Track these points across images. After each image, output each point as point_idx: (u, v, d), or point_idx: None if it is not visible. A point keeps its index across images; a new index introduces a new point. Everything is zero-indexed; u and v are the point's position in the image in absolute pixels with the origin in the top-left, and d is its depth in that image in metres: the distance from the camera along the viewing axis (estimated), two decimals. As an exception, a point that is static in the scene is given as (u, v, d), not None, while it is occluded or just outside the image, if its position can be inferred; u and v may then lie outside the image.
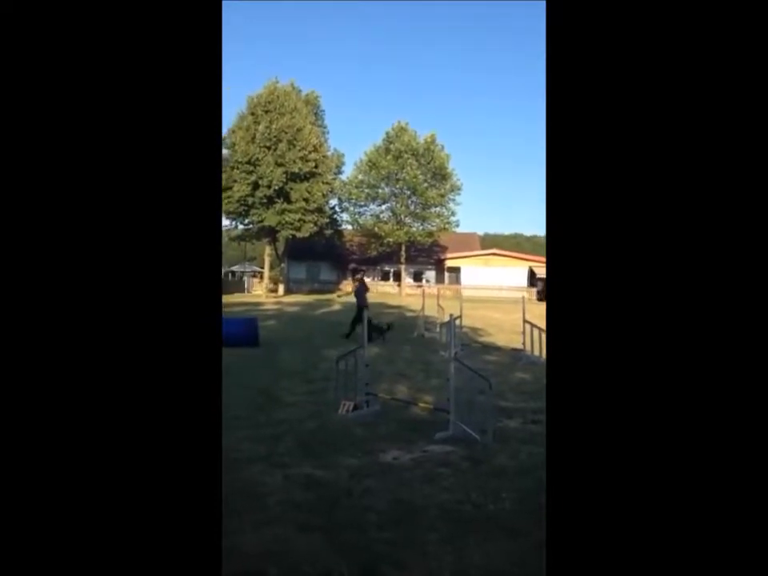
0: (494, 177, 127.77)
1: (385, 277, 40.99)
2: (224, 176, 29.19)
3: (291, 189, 29.55)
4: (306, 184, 29.88)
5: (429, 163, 34.05)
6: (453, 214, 35.33)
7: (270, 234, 31.59)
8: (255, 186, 29.09)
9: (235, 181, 29.06)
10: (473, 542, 2.71)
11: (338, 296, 13.84)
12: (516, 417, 5.26)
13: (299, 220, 29.74)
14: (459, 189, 35.18)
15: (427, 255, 39.95)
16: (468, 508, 3.15)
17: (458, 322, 9.94)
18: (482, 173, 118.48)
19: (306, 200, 29.67)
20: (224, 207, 29.77)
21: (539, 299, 34.85)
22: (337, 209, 36.04)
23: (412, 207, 35.10)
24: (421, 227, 35.34)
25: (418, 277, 40.39)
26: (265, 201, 29.41)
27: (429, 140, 34.41)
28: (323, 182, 30.70)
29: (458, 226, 36.43)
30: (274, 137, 29.07)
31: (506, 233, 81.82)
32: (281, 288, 34.62)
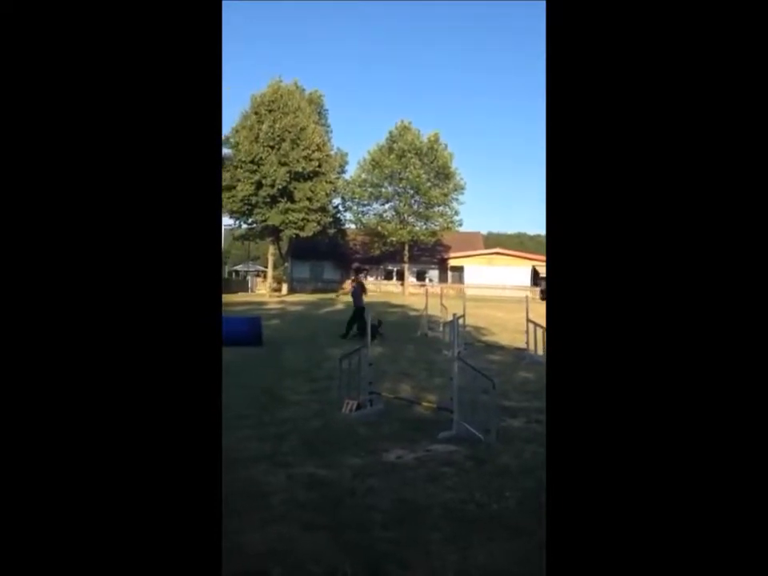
0: (497, 176, 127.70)
1: (388, 276, 41.02)
2: (227, 175, 29.28)
3: (295, 188, 29.59)
4: (309, 183, 29.91)
5: (432, 162, 34.04)
6: (456, 213, 35.35)
7: (274, 233, 31.64)
8: (259, 185, 29.14)
9: (239, 180, 29.11)
10: (476, 542, 2.71)
11: (336, 296, 13.83)
12: (520, 416, 5.26)
13: (302, 219, 29.79)
14: (462, 188, 35.19)
15: (430, 254, 39.96)
16: (472, 507, 3.15)
17: (461, 321, 9.94)
18: (484, 172, 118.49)
19: (309, 199, 29.71)
20: (228, 206, 29.84)
21: (542, 298, 34.76)
22: (340, 208, 36.09)
23: (415, 206, 35.09)
24: (424, 226, 35.34)
25: (421, 276, 40.41)
26: (268, 200, 29.47)
27: (432, 139, 34.41)
28: (327, 182, 30.74)
29: (461, 225, 36.46)
30: (278, 136, 29.12)
31: (510, 232, 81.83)
32: (284, 287, 34.67)
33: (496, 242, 51.65)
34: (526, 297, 11.35)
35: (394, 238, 34.62)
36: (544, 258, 40.84)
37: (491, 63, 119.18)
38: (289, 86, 31.32)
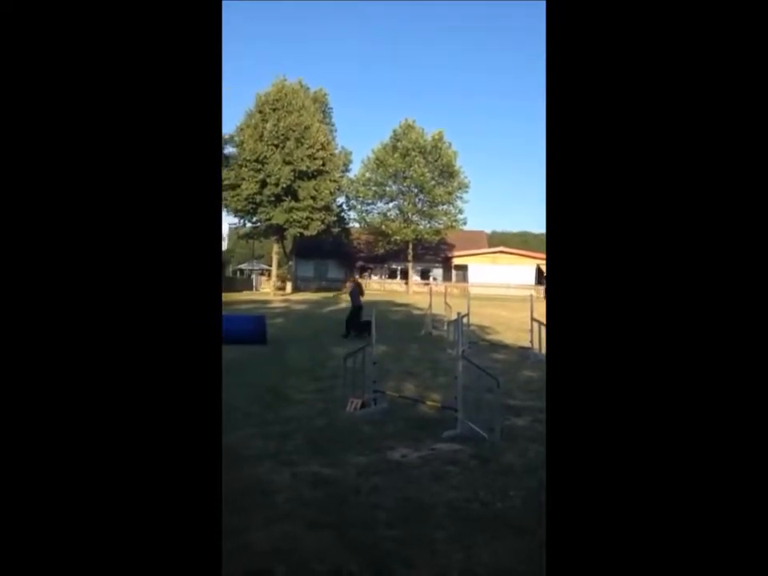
0: (501, 176, 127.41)
1: (392, 275, 41.05)
2: (232, 174, 29.33)
3: (299, 187, 29.61)
4: (313, 182, 29.93)
5: (436, 161, 34.01)
6: (460, 211, 35.36)
7: (278, 231, 31.69)
8: (263, 184, 29.18)
9: (243, 179, 29.16)
10: (481, 540, 2.71)
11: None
12: (524, 415, 5.25)
13: (307, 218, 29.81)
14: (467, 186, 35.16)
15: (434, 253, 39.95)
16: (476, 506, 3.15)
17: (465, 320, 9.94)
18: (489, 171, 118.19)
19: (313, 198, 29.73)
20: (232, 205, 29.91)
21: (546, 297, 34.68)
22: (344, 207, 36.09)
23: (419, 205, 35.07)
24: (428, 225, 35.32)
25: (425, 275, 40.39)
26: (273, 199, 29.51)
27: (436, 137, 34.37)
28: (331, 180, 30.74)
29: (465, 223, 36.47)
30: (282, 135, 29.14)
31: (514, 230, 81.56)
32: (288, 286, 34.73)
33: (500, 241, 51.55)
34: (531, 296, 11.33)
35: (398, 237, 34.62)
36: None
37: (493, 63, 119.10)
38: (293, 84, 31.34)
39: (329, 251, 38.24)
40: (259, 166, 29.03)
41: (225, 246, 29.78)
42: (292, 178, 29.14)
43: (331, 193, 30.98)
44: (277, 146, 29.13)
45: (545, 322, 8.40)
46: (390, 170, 34.22)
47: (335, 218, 33.23)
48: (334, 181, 31.19)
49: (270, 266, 36.52)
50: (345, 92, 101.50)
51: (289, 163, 28.95)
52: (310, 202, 29.64)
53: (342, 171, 33.86)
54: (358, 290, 11.91)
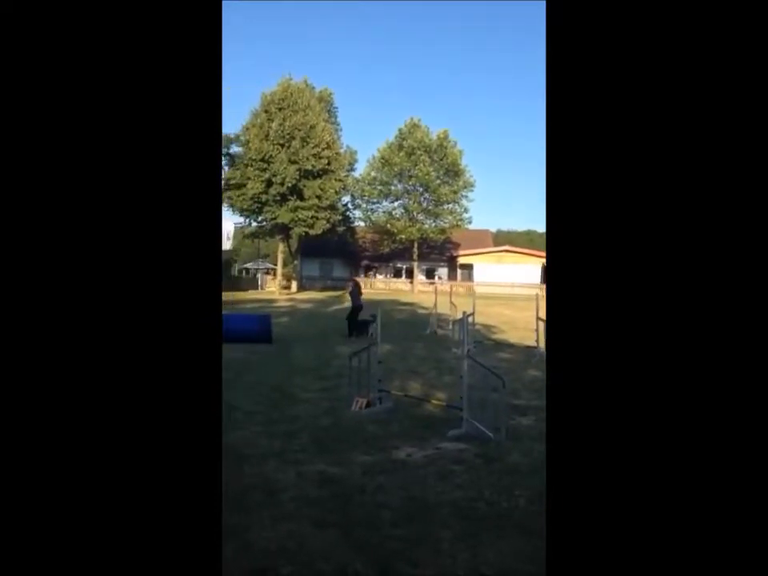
0: (506, 175, 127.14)
1: (397, 274, 41.02)
2: (237, 173, 29.39)
3: (304, 186, 29.64)
4: (318, 181, 29.96)
5: (441, 160, 33.96)
6: (465, 210, 35.30)
7: (284, 231, 31.74)
8: (269, 183, 29.24)
9: (249, 178, 29.23)
10: (486, 540, 2.71)
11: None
12: (529, 414, 5.24)
13: (312, 217, 29.84)
14: (472, 185, 35.09)
15: (440, 252, 39.90)
16: (481, 506, 3.14)
17: (470, 319, 9.92)
18: (493, 170, 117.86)
19: (318, 197, 29.76)
20: (238, 204, 30.00)
21: (553, 296, 34.57)
22: (349, 206, 36.11)
23: (424, 204, 35.03)
24: (433, 224, 35.27)
25: (430, 274, 40.37)
26: (278, 198, 29.56)
27: (441, 136, 34.32)
28: (336, 179, 30.76)
29: (470, 222, 36.40)
30: (288, 134, 29.18)
31: (519, 229, 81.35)
32: (294, 285, 34.79)
33: (506, 240, 51.49)
34: (536, 295, 11.30)
35: (403, 236, 34.60)
36: (554, 255, 40.67)
37: (498, 63, 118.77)
38: (299, 84, 31.37)
39: (334, 250, 38.26)
40: (265, 166, 29.09)
41: (230, 245, 29.85)
42: (297, 177, 29.18)
43: (336, 192, 31.00)
44: (282, 146, 29.18)
45: (550, 322, 8.37)
46: (396, 169, 34.19)
47: (340, 217, 33.26)
48: (340, 180, 31.21)
49: (276, 265, 36.60)
50: (349, 92, 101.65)
51: (294, 162, 28.99)
52: (316, 201, 29.67)
53: (348, 170, 33.87)
54: (357, 290, 12.00)
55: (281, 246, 34.13)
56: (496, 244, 44.00)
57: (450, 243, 39.40)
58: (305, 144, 29.29)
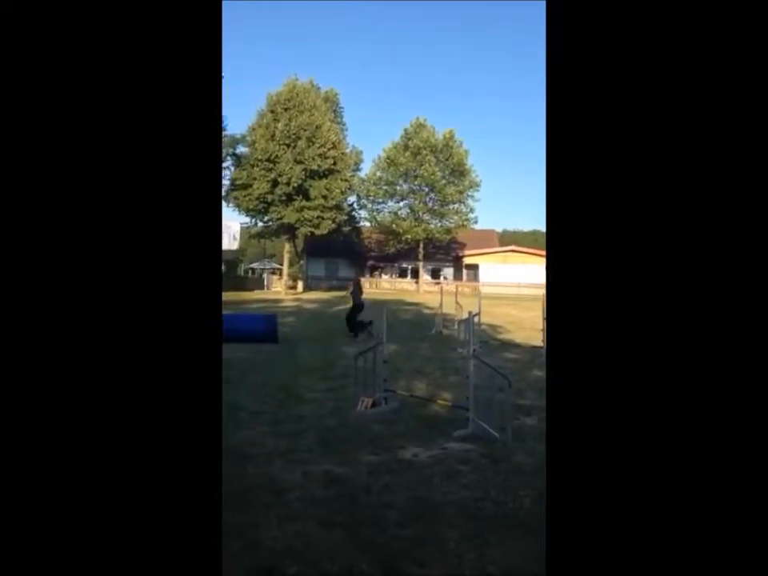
0: (512, 174, 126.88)
1: (402, 274, 41.00)
2: (244, 174, 29.46)
3: (310, 186, 29.70)
4: (324, 181, 30.00)
5: (447, 159, 33.91)
6: (471, 210, 35.24)
7: (289, 231, 31.79)
8: (275, 183, 29.30)
9: (255, 178, 29.30)
10: (493, 540, 2.71)
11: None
12: (535, 415, 5.23)
13: (318, 217, 29.89)
14: (478, 185, 35.02)
15: (445, 252, 39.87)
16: (487, 505, 3.14)
17: (476, 319, 9.90)
18: (499, 170, 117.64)
19: (324, 197, 29.80)
20: (244, 205, 30.07)
21: (559, 296, 34.47)
22: (355, 206, 36.14)
23: (430, 204, 34.99)
24: (439, 224, 35.23)
25: (435, 274, 40.32)
26: (284, 198, 29.61)
27: (447, 136, 34.27)
28: (342, 179, 30.78)
29: (476, 222, 36.34)
30: (294, 134, 29.23)
31: (525, 229, 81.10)
32: (300, 285, 34.85)
33: (512, 240, 51.34)
34: (543, 295, 11.27)
35: (408, 236, 34.58)
36: (560, 255, 40.45)
37: (506, 63, 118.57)
38: (305, 84, 31.41)
39: (339, 250, 38.29)
40: (271, 166, 29.15)
41: (236, 245, 29.83)
42: (303, 177, 29.23)
43: (342, 192, 31.01)
44: (288, 146, 29.23)
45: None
46: (401, 169, 34.17)
47: (346, 217, 33.28)
48: (345, 180, 31.22)
49: (281, 265, 36.66)
50: (351, 91, 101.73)
51: (300, 162, 29.03)
52: (321, 201, 29.71)
53: (353, 170, 33.89)
54: (358, 289, 12.08)
55: (287, 246, 34.19)
56: (502, 244, 43.91)
57: (456, 243, 39.36)
58: (310, 144, 29.33)
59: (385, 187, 35.34)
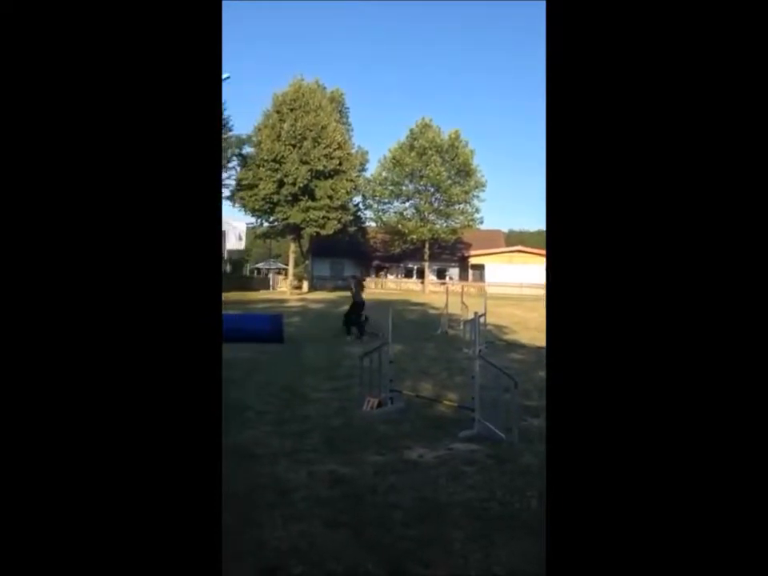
0: (517, 174, 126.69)
1: (408, 274, 40.98)
2: (249, 174, 29.54)
3: (316, 186, 29.72)
4: (330, 181, 30.02)
5: (453, 160, 33.87)
6: (477, 210, 35.17)
7: (295, 231, 31.82)
8: (280, 183, 29.34)
9: (261, 179, 29.36)
10: (498, 541, 2.69)
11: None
12: (542, 415, 5.20)
13: (323, 217, 29.90)
14: (483, 185, 34.98)
15: (451, 252, 39.80)
16: (493, 506, 3.12)
17: (482, 319, 9.88)
18: (503, 170, 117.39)
19: (330, 197, 29.82)
20: (249, 205, 30.16)
21: (565, 297, 34.37)
22: (361, 206, 36.13)
23: (435, 204, 34.95)
24: (444, 224, 35.17)
25: (441, 274, 40.30)
26: (290, 198, 29.65)
27: (453, 136, 34.24)
28: (347, 179, 30.79)
29: (481, 222, 36.32)
30: (299, 134, 29.27)
31: (531, 229, 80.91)
32: (305, 285, 34.89)
33: (518, 240, 51.21)
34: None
35: (414, 236, 34.55)
36: (566, 255, 40.32)
37: (506, 63, 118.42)
38: (310, 84, 31.45)
39: (345, 250, 38.31)
40: (276, 166, 29.20)
41: (242, 245, 29.82)
42: (309, 178, 29.25)
43: (348, 192, 31.01)
44: (294, 146, 29.27)
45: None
46: (407, 169, 34.17)
47: (351, 218, 33.27)
48: (351, 180, 31.22)
49: (287, 265, 36.72)
50: (355, 91, 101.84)
51: (306, 163, 29.07)
52: (327, 201, 29.73)
53: (359, 170, 33.87)
54: (358, 287, 11.98)
55: (292, 246, 34.22)
56: (508, 244, 43.81)
57: (462, 243, 39.30)
58: (316, 144, 29.35)
59: (390, 187, 35.34)
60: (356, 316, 11.27)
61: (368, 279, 39.03)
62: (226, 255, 29.88)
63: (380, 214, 36.43)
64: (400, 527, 2.83)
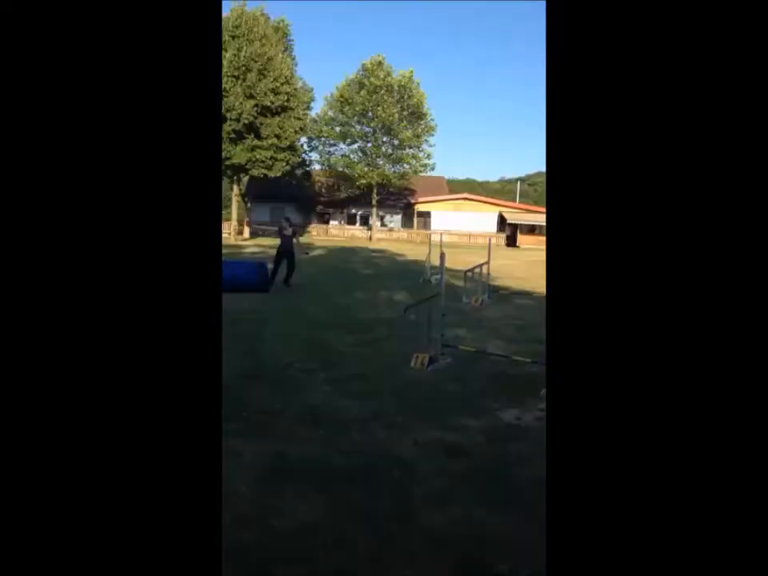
0: (464, 125, 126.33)
1: (351, 220, 40.06)
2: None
3: (262, 124, 27.84)
4: (277, 119, 28.17)
5: (405, 100, 32.72)
6: (428, 156, 34.36)
7: (239, 172, 29.93)
8: (223, 119, 27.22)
9: (201, 113, 27.13)
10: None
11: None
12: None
13: (271, 158, 28.25)
14: (433, 130, 34.19)
15: (395, 199, 39.12)
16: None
17: (483, 269, 9.65)
18: (455, 119, 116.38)
19: (277, 136, 28.08)
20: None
21: (507, 244, 35.19)
22: (305, 147, 34.40)
23: (384, 148, 33.90)
24: (392, 169, 34.28)
25: (382, 221, 39.62)
26: (233, 136, 27.65)
27: (407, 76, 32.98)
28: (296, 118, 29.03)
29: (433, 169, 35.50)
30: (243, 65, 27.05)
31: (461, 178, 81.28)
32: (246, 231, 33.36)
33: (464, 188, 51.37)
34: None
35: (363, 181, 33.52)
36: (510, 204, 40.86)
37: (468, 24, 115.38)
38: (254, 11, 28.92)
39: (286, 195, 36.61)
40: (218, 100, 27.06)
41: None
42: (254, 114, 27.33)
43: (296, 131, 29.34)
44: (237, 78, 27.07)
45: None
46: (357, 108, 32.68)
47: (300, 159, 31.75)
48: (299, 119, 29.48)
49: (230, 208, 34.70)
50: (300, 24, 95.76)
51: (251, 97, 27.06)
52: (274, 140, 27.98)
53: (305, 109, 32.03)
54: (291, 236, 10.42)
55: (235, 189, 32.29)
56: (451, 192, 43.77)
57: (407, 190, 38.69)
58: (262, 77, 27.28)
59: (338, 128, 33.81)
60: (291, 265, 10.10)
61: (312, 226, 37.87)
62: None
63: (326, 156, 34.93)
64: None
